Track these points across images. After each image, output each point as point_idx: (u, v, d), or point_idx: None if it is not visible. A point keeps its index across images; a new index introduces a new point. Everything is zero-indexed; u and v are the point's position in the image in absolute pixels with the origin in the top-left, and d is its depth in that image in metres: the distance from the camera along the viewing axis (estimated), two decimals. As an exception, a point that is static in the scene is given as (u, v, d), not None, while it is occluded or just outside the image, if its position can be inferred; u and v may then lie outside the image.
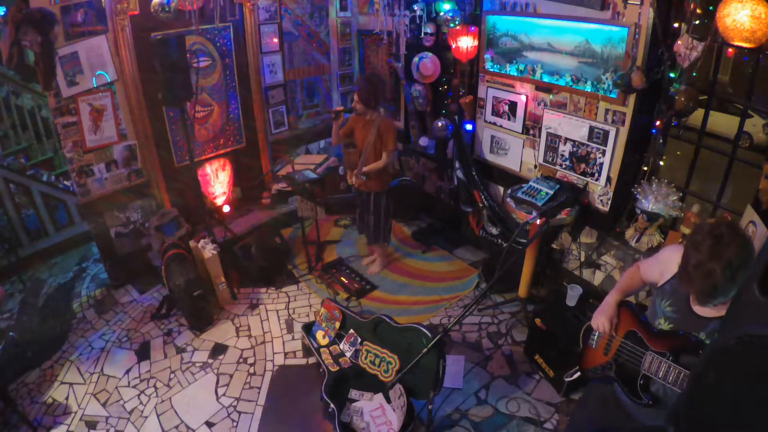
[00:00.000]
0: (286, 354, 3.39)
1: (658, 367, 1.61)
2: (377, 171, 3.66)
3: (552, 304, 3.41)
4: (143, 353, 3.40)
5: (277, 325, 3.66)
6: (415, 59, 4.25)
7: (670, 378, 1.56)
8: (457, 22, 3.72)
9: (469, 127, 4.11)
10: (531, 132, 3.69)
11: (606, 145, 3.18)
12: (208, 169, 4.56)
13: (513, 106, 3.73)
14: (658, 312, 1.74)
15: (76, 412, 2.95)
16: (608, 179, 3.26)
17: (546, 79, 3.40)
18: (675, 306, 1.67)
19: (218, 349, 3.43)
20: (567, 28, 3.15)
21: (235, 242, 4.30)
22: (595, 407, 2.05)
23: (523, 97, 3.63)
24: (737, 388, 1.02)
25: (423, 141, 4.66)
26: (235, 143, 4.70)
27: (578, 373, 2.07)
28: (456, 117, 4.15)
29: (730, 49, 2.54)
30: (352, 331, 3.20)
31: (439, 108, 4.41)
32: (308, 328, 3.40)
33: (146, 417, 2.90)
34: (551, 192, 3.27)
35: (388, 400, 2.83)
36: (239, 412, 2.93)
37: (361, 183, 3.73)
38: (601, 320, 1.86)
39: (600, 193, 3.35)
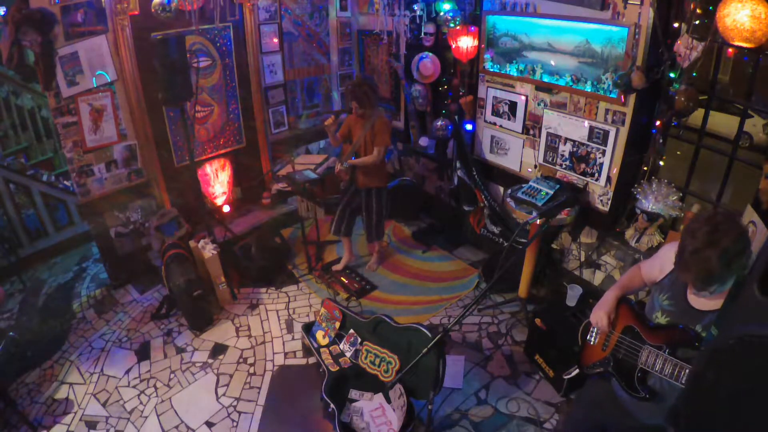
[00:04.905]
0: (286, 354, 3.39)
1: (655, 360, 1.64)
2: (368, 166, 3.66)
3: (552, 304, 3.41)
4: (143, 353, 3.40)
5: (277, 325, 3.66)
6: (415, 59, 4.26)
7: (667, 371, 1.59)
8: (457, 22, 3.72)
9: (469, 127, 4.11)
10: (531, 132, 3.69)
11: (606, 145, 3.18)
12: (208, 169, 4.56)
13: (513, 106, 3.73)
14: (655, 306, 1.76)
15: (76, 412, 2.95)
16: (608, 179, 3.26)
17: (546, 79, 3.40)
18: (672, 299, 1.70)
19: (218, 349, 3.43)
20: (567, 28, 3.15)
21: (235, 242, 4.30)
22: (592, 403, 2.06)
23: (523, 97, 3.63)
24: (737, 389, 1.02)
25: (423, 141, 4.66)
26: (235, 143, 4.70)
27: (577, 370, 2.09)
28: (456, 117, 4.15)
29: (730, 49, 2.54)
30: (352, 331, 3.21)
31: (439, 108, 4.41)
32: (308, 328, 3.40)
33: (146, 417, 2.90)
34: (551, 192, 3.27)
35: (388, 400, 2.83)
36: (239, 412, 2.93)
37: (341, 171, 3.70)
38: (599, 315, 1.89)
39: (600, 193, 3.35)
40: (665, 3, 2.63)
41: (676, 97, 2.64)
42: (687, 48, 2.49)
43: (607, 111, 3.12)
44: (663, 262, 1.80)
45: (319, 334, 3.32)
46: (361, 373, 3.01)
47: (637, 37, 2.78)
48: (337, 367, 3.04)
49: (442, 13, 3.85)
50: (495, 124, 3.93)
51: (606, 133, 3.15)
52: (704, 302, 1.59)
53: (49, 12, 3.11)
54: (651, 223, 3.10)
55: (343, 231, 4.03)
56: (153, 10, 3.50)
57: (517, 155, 3.86)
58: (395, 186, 4.78)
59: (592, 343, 1.96)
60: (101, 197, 3.85)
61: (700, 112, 2.82)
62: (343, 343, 3.21)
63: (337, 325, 3.27)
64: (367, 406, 2.83)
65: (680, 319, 1.65)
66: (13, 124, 5.08)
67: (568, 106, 3.35)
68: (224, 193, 4.75)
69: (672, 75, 2.74)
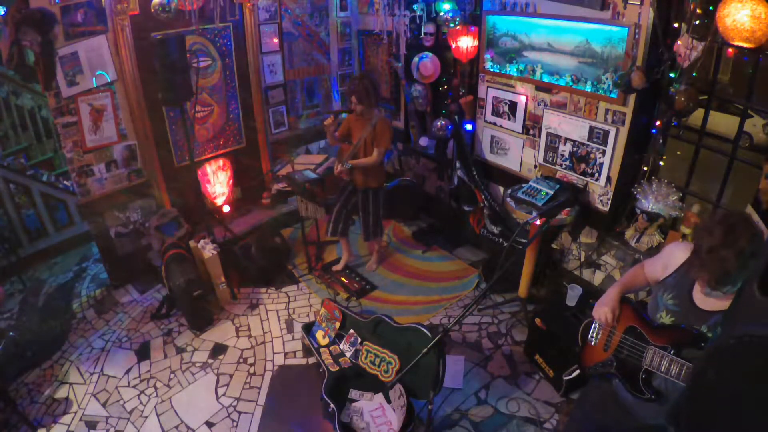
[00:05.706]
0: (286, 354, 3.39)
1: (660, 361, 1.62)
2: (368, 167, 3.65)
3: (552, 304, 3.40)
4: (143, 353, 3.40)
5: (277, 325, 3.66)
6: (415, 59, 4.25)
7: (673, 372, 1.58)
8: (457, 22, 3.72)
9: (469, 127, 4.11)
10: (531, 132, 3.69)
11: (606, 145, 3.18)
12: (208, 169, 4.56)
13: (513, 106, 3.73)
14: (659, 305, 1.74)
15: (76, 412, 2.95)
16: (608, 179, 3.26)
17: (546, 79, 3.40)
18: (677, 299, 1.68)
19: (218, 349, 3.43)
20: (567, 28, 3.15)
21: (235, 242, 4.30)
22: (593, 405, 2.05)
23: (523, 97, 3.63)
24: (737, 388, 1.02)
25: (423, 141, 4.66)
26: (235, 143, 4.70)
27: (577, 371, 2.07)
28: (456, 117, 4.15)
29: (730, 49, 2.54)
30: (352, 331, 3.21)
31: (439, 108, 4.41)
32: (308, 328, 3.40)
33: (146, 417, 2.90)
34: (551, 192, 3.27)
35: (388, 400, 2.83)
36: (239, 412, 2.93)
37: (342, 171, 3.70)
38: (603, 311, 1.86)
39: (600, 193, 3.35)
40: (665, 3, 2.63)
41: (676, 97, 2.63)
42: (687, 48, 2.49)
43: (607, 111, 3.12)
44: (667, 261, 1.78)
45: (319, 334, 3.32)
46: (361, 373, 3.01)
47: (637, 37, 2.78)
48: (337, 367, 3.04)
49: (442, 13, 3.85)
50: (495, 124, 3.94)
51: (606, 133, 3.15)
52: (710, 303, 1.58)
53: (49, 12, 3.11)
54: (651, 223, 3.10)
55: (341, 231, 4.03)
56: (153, 10, 3.50)
57: (517, 155, 3.86)
58: (395, 186, 4.78)
59: (593, 343, 1.94)
60: (101, 197, 3.85)
61: (700, 112, 2.82)
62: (343, 343, 3.21)
63: (337, 325, 3.27)
64: (367, 406, 2.83)
65: (685, 319, 1.63)
66: (13, 124, 5.08)
67: (568, 106, 3.35)
68: (224, 193, 4.75)
69: (672, 75, 2.74)
